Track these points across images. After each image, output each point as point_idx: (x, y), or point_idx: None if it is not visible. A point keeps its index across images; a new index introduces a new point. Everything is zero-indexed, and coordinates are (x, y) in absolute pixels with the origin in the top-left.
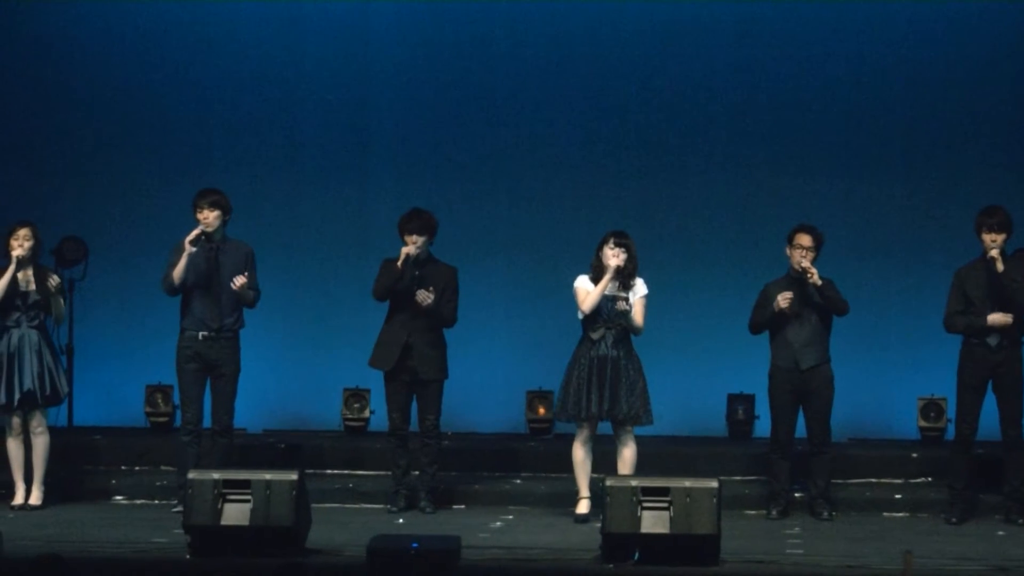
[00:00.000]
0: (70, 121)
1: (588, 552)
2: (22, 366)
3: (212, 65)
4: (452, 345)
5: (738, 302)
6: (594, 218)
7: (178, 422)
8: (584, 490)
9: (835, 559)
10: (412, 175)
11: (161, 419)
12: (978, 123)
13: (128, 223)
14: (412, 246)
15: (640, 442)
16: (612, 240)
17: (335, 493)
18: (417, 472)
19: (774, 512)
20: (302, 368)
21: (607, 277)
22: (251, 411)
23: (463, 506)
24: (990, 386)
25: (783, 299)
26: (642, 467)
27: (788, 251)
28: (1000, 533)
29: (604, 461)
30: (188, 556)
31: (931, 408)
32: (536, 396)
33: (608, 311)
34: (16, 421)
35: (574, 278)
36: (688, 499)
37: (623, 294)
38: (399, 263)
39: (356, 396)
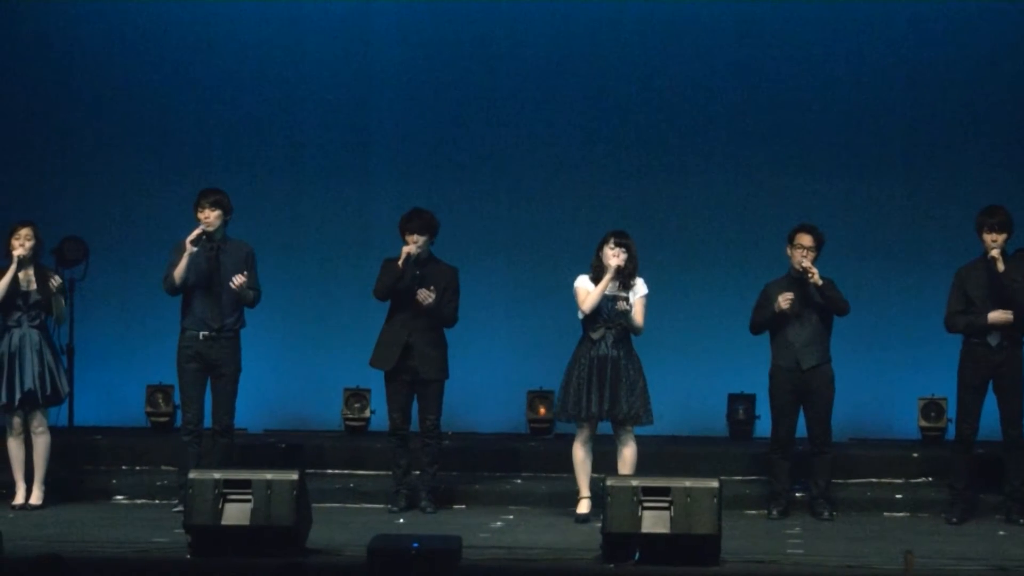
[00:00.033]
0: (70, 121)
1: (589, 552)
2: (23, 366)
3: (212, 65)
4: (453, 345)
5: (738, 302)
6: (594, 218)
7: (179, 422)
8: (584, 490)
9: (836, 559)
10: (412, 175)
11: (162, 419)
12: (978, 123)
13: (128, 223)
14: (413, 246)
15: (640, 442)
16: (612, 240)
17: (336, 493)
18: (418, 472)
19: (775, 512)
20: (302, 368)
21: (607, 277)
22: (252, 411)
23: (464, 506)
24: (991, 386)
25: (784, 299)
26: (642, 467)
27: (789, 251)
28: (1001, 533)
29: (604, 461)
30: (188, 556)
31: (932, 408)
32: (536, 396)
33: (608, 311)
34: (17, 421)
35: (574, 278)
36: (689, 499)
37: (623, 294)
38: (400, 263)
39: (357, 396)
